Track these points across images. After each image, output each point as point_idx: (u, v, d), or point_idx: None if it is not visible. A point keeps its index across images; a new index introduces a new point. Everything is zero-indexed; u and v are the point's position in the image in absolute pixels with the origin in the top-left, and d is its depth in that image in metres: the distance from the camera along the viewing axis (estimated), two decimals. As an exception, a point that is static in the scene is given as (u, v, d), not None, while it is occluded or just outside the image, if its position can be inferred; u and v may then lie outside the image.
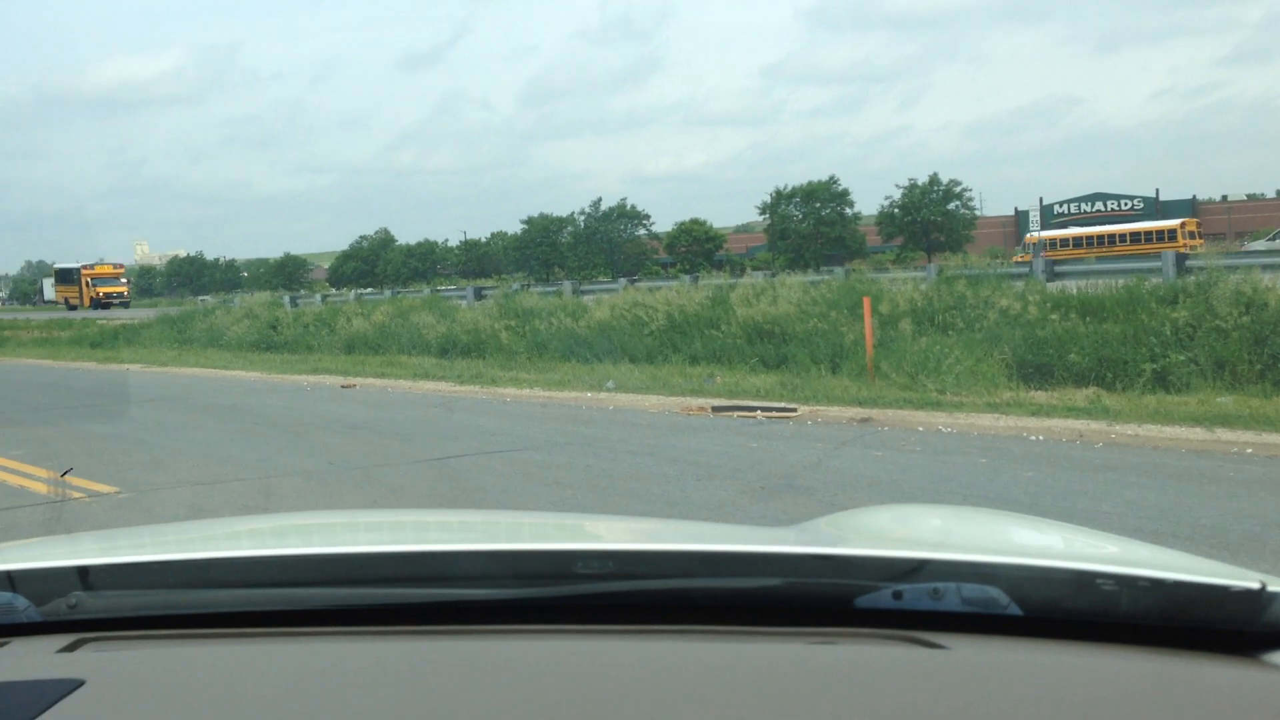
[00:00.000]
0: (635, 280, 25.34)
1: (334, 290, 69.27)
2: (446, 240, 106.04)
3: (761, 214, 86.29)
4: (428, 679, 1.16)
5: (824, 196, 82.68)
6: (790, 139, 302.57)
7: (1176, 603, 1.25)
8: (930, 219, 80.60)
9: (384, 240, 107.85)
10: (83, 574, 1.42)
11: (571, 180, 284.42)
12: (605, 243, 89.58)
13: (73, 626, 1.34)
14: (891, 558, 1.39)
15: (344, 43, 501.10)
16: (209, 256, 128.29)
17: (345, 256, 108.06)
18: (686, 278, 23.12)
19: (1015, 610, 1.28)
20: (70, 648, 1.28)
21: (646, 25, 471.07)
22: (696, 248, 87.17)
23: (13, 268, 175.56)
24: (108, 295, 72.00)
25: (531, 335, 20.52)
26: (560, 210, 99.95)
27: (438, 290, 29.50)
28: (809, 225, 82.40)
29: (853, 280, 18.72)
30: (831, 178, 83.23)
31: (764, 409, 10.85)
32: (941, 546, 1.61)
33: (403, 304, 25.35)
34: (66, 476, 7.81)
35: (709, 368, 16.31)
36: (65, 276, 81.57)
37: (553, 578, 1.38)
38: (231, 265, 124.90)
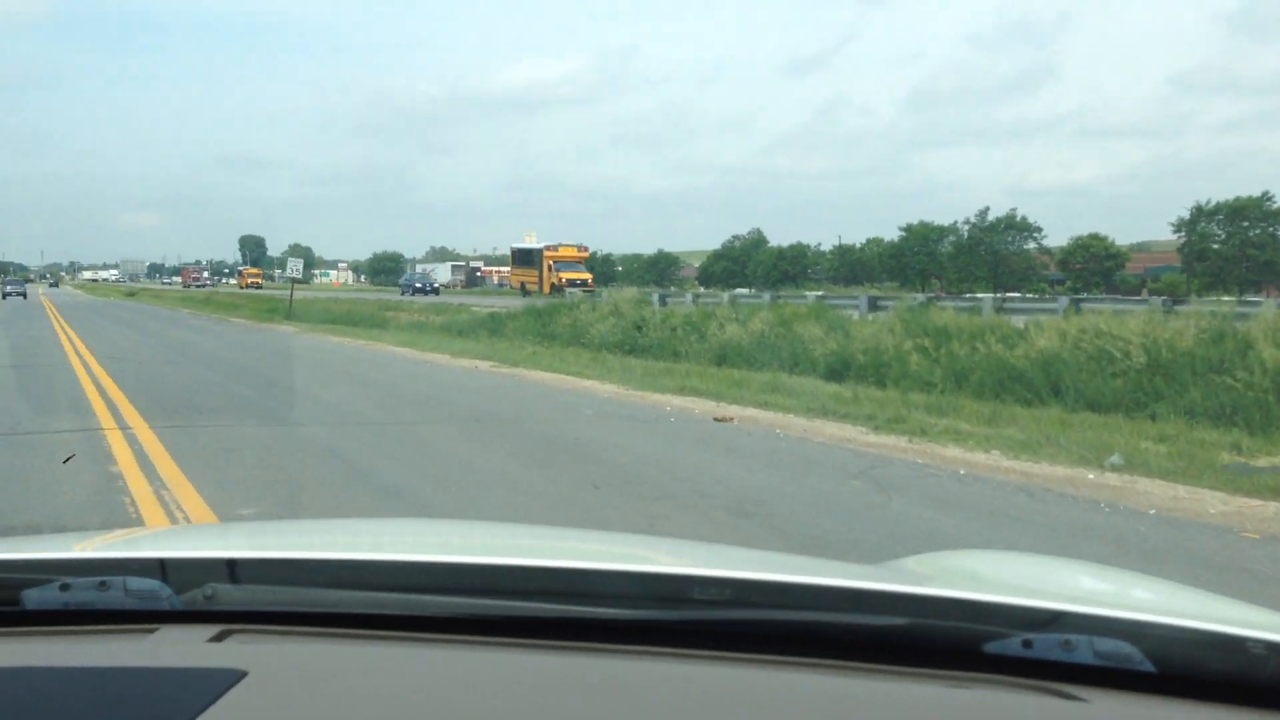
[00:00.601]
0: (1081, 300, 20.09)
1: (704, 289, 67.09)
2: (819, 244, 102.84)
3: (1176, 231, 77.38)
4: (558, 694, 1.14)
5: (1253, 215, 72.78)
6: (1197, 153, 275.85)
7: None
8: (1392, 245, 69.05)
9: (756, 241, 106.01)
10: (229, 566, 1.41)
11: (948, 189, 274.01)
12: (989, 254, 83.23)
13: (206, 617, 1.34)
14: (1027, 606, 1.33)
15: (733, 47, 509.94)
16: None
17: (717, 256, 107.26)
18: (1158, 300, 17.74)
19: (1149, 667, 1.21)
20: (218, 638, 1.29)
21: (1045, 30, 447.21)
22: (1094, 265, 79.79)
23: (419, 252, 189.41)
24: (570, 282, 55.76)
25: (948, 362, 16.20)
26: (935, 219, 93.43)
27: (823, 298, 25.47)
28: (1233, 246, 72.72)
29: None
30: (1265, 194, 73.09)
31: None
32: (1058, 597, 1.50)
33: (784, 311, 21.57)
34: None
35: (1227, 434, 11.36)
36: (523, 258, 67.96)
37: (673, 601, 1.35)
38: (608, 259, 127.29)
